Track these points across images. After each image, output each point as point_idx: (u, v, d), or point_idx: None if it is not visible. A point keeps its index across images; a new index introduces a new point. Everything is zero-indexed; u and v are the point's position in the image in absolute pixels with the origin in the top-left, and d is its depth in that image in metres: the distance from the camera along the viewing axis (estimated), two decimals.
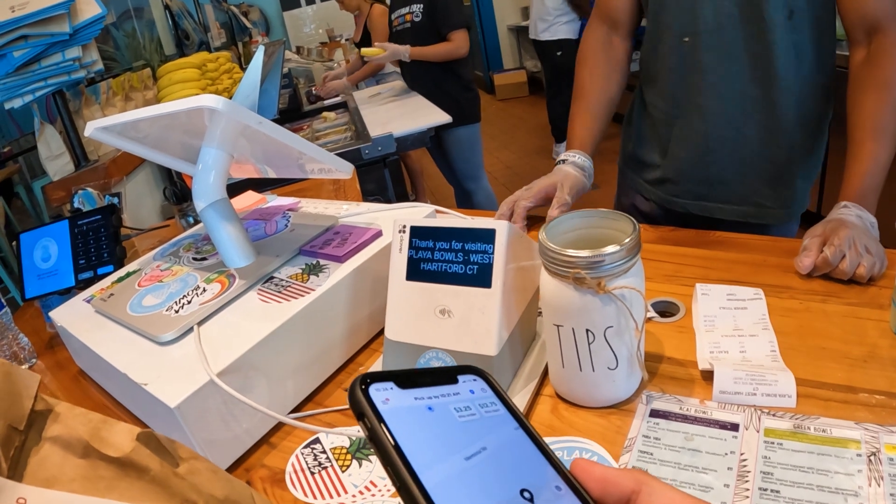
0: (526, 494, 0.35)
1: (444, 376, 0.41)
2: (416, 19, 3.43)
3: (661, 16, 1.28)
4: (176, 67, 2.79)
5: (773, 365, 0.78)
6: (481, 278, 0.77)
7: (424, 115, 2.91)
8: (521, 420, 0.40)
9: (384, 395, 0.36)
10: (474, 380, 0.42)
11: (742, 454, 0.67)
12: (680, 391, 0.78)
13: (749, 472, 0.65)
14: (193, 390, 0.77)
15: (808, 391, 0.74)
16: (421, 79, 3.48)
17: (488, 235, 0.77)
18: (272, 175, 1.16)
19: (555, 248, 0.67)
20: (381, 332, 1.01)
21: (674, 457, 0.68)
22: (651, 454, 0.69)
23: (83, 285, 1.31)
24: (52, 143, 2.20)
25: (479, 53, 8.62)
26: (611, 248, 0.66)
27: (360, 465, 0.78)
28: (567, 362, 0.74)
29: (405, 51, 3.34)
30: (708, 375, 0.78)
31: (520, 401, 0.78)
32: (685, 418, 0.73)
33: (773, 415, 0.71)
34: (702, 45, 1.21)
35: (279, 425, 0.89)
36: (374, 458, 0.79)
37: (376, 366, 0.92)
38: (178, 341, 0.88)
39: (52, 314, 1.15)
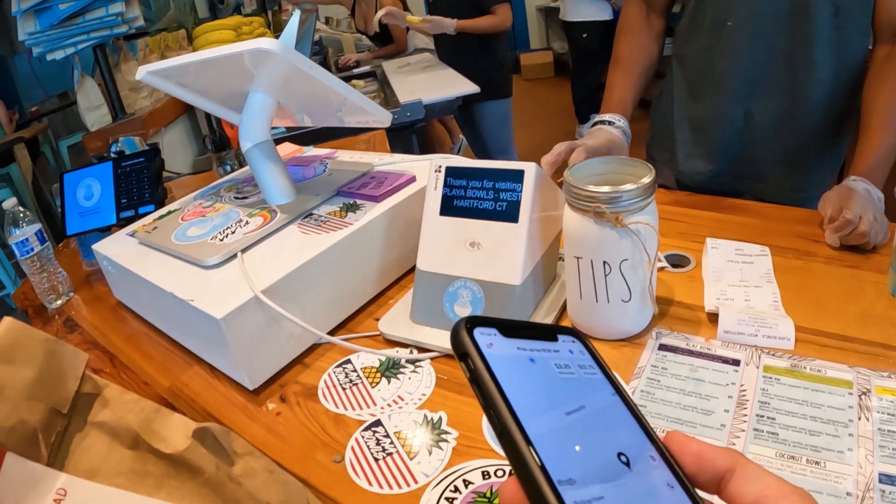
0: (623, 458, 0.35)
1: (545, 332, 0.41)
2: None
3: None
4: (212, 28, 2.86)
5: (775, 313, 0.84)
6: (510, 214, 0.83)
7: (453, 84, 2.93)
8: (619, 387, 0.40)
9: (488, 340, 0.35)
10: (573, 341, 0.42)
11: (742, 385, 0.74)
12: (687, 331, 0.84)
13: (748, 400, 0.72)
14: (239, 304, 0.83)
15: (807, 337, 0.80)
16: (455, 52, 3.45)
17: (518, 175, 0.83)
18: (308, 124, 1.22)
19: (578, 184, 0.74)
20: (411, 270, 1.08)
21: (679, 384, 0.75)
22: (658, 381, 0.76)
23: (124, 223, 1.37)
24: (91, 94, 2.28)
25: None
26: (629, 186, 0.72)
27: (389, 382, 0.85)
28: (584, 294, 0.80)
29: (451, 24, 3.32)
30: (714, 318, 0.84)
31: None
32: (691, 353, 0.79)
33: (773, 355, 0.77)
34: (741, 29, 1.25)
35: (312, 347, 0.96)
36: (402, 375, 0.86)
37: (405, 300, 0.98)
38: (222, 266, 0.95)
39: (95, 246, 1.22)
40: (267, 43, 0.86)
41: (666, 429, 0.69)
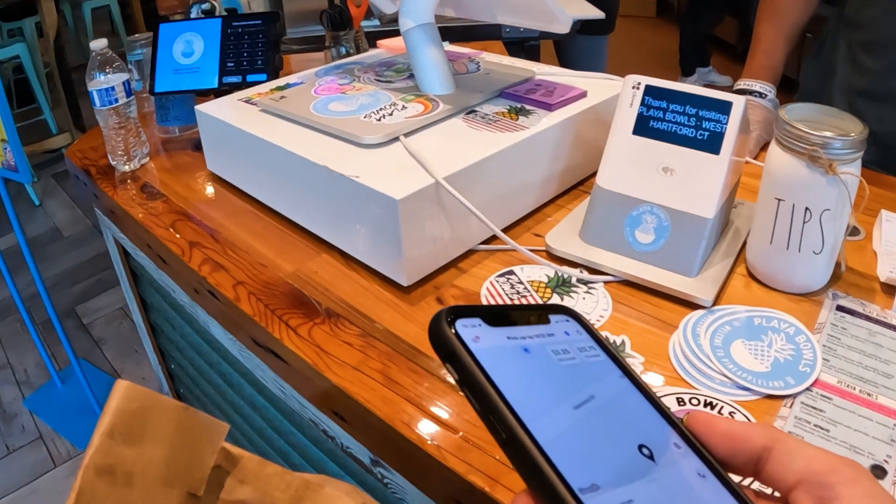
0: (645, 451, 0.35)
1: (535, 314, 0.41)
2: None
3: None
4: None
5: None
6: (711, 145, 0.92)
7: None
8: (625, 367, 0.41)
9: (473, 333, 0.35)
10: (567, 320, 0.42)
11: None
12: (861, 297, 0.94)
13: None
14: (418, 188, 0.92)
15: None
16: None
17: (724, 107, 0.92)
18: (449, 14, 1.30)
19: (797, 125, 0.84)
20: (571, 188, 1.19)
21: (859, 345, 0.86)
22: (839, 339, 0.87)
23: (226, 90, 1.45)
24: None
25: None
26: (848, 135, 0.82)
27: (562, 299, 0.94)
28: (776, 239, 0.90)
29: None
30: (887, 289, 0.95)
31: (720, 271, 0.95)
32: (868, 318, 0.90)
33: None
34: None
35: (467, 253, 1.05)
36: (575, 294, 0.94)
37: (572, 217, 1.08)
38: (381, 147, 1.04)
39: (200, 107, 1.30)
40: None
41: (851, 384, 0.80)
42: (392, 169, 0.99)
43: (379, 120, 1.09)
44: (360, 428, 0.88)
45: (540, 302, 0.93)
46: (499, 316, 0.38)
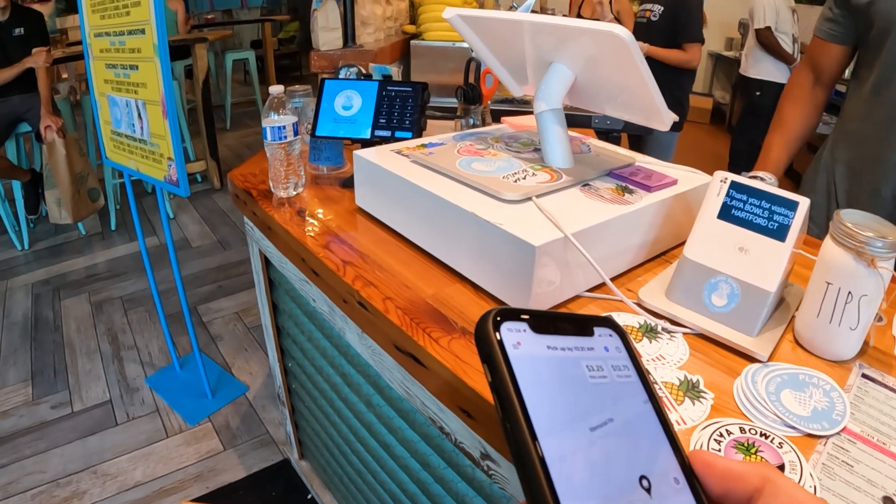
0: (644, 483, 0.34)
1: (581, 325, 0.39)
2: (654, 19, 3.64)
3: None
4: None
5: None
6: (779, 233, 1.04)
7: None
8: (651, 393, 0.39)
9: (515, 338, 0.34)
10: (610, 335, 0.41)
11: None
12: (882, 370, 1.05)
13: None
14: (552, 238, 1.03)
15: None
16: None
17: (792, 205, 1.05)
18: (566, 102, 1.40)
19: (850, 226, 0.96)
20: (656, 258, 1.30)
21: (878, 405, 0.97)
22: (862, 399, 0.97)
23: (376, 141, 1.60)
24: (330, 16, 2.54)
25: None
26: (884, 238, 0.94)
27: (650, 342, 1.05)
28: (822, 313, 1.02)
29: (643, 48, 3.54)
30: None
31: (774, 335, 1.05)
32: (885, 386, 1.01)
33: None
34: None
35: (572, 298, 1.16)
36: (661, 339, 1.06)
37: (660, 279, 1.19)
38: (518, 204, 1.16)
39: (358, 152, 1.42)
40: (619, 30, 1.08)
41: (871, 434, 0.90)
42: (527, 222, 1.09)
43: (515, 181, 1.21)
44: (483, 422, 0.95)
45: (632, 341, 1.02)
46: (545, 323, 0.37)
